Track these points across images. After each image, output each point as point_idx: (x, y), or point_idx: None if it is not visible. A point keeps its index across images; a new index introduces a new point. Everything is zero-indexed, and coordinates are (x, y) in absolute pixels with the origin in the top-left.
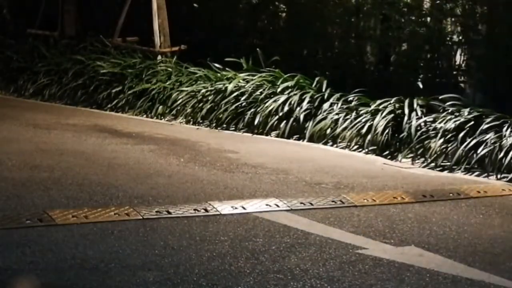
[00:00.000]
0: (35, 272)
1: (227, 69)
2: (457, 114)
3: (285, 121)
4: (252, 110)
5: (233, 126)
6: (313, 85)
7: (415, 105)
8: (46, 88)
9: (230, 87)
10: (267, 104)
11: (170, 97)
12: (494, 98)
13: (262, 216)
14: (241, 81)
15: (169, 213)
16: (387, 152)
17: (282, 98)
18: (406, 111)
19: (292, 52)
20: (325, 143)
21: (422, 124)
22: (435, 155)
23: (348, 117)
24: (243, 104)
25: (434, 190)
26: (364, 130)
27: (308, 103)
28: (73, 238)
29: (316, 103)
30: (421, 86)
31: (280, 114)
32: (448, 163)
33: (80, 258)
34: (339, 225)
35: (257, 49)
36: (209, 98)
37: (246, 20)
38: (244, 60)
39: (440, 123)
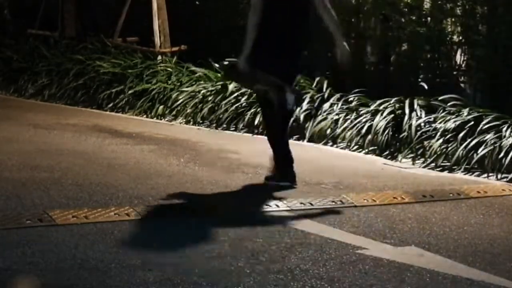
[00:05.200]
0: (35, 272)
1: None
2: (457, 114)
3: None
4: (252, 110)
5: (233, 126)
6: (313, 85)
7: (415, 105)
8: (46, 88)
9: (230, 87)
10: None
11: (170, 97)
12: (494, 98)
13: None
14: None
15: None
16: (387, 152)
17: None
18: (407, 111)
19: None
20: (325, 144)
21: (422, 124)
22: (435, 155)
23: (348, 117)
24: (243, 105)
25: (434, 190)
26: (364, 130)
27: (308, 103)
28: (73, 238)
29: (316, 103)
30: (426, 86)
31: None
32: (448, 163)
33: (80, 258)
34: (339, 225)
35: None
36: (210, 98)
37: (246, 20)
38: None
39: (440, 123)
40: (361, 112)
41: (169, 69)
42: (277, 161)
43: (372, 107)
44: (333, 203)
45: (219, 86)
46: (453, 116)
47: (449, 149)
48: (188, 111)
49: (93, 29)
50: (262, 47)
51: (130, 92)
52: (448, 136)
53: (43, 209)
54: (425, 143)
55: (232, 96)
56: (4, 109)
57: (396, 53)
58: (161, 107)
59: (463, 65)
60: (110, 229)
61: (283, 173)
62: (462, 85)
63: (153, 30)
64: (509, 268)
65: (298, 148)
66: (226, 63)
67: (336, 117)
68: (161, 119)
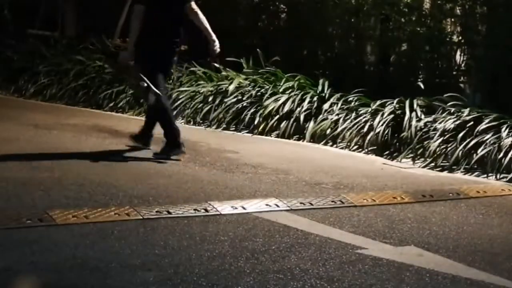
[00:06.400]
0: (35, 272)
1: (227, 69)
2: (457, 114)
3: (285, 121)
4: (253, 110)
5: (234, 126)
6: (314, 85)
7: (415, 106)
8: (47, 88)
9: (231, 87)
10: (267, 104)
11: (170, 97)
12: (494, 98)
13: (262, 216)
14: (241, 81)
15: (169, 213)
16: (387, 152)
17: (283, 98)
18: (407, 111)
19: (292, 52)
20: (325, 143)
21: (422, 124)
22: (435, 155)
23: (348, 117)
24: (243, 104)
25: (433, 190)
26: (364, 130)
27: (308, 103)
28: (73, 238)
29: (317, 104)
30: (422, 86)
31: (281, 114)
32: (448, 163)
33: (81, 258)
34: (339, 225)
35: (257, 49)
36: (210, 98)
37: (246, 20)
38: (245, 60)
39: (439, 123)
40: (361, 112)
41: None
42: (167, 137)
43: (372, 107)
44: (333, 203)
45: (220, 86)
46: (453, 116)
47: (449, 149)
48: (188, 111)
49: (93, 29)
50: (143, 45)
51: (130, 92)
52: (447, 136)
53: (43, 209)
54: (425, 143)
55: (233, 96)
56: (5, 109)
57: (395, 53)
58: None
59: (462, 65)
60: (110, 229)
61: (171, 146)
62: (461, 85)
63: None
64: (509, 267)
65: (298, 148)
66: (112, 48)
67: (336, 117)
68: None
